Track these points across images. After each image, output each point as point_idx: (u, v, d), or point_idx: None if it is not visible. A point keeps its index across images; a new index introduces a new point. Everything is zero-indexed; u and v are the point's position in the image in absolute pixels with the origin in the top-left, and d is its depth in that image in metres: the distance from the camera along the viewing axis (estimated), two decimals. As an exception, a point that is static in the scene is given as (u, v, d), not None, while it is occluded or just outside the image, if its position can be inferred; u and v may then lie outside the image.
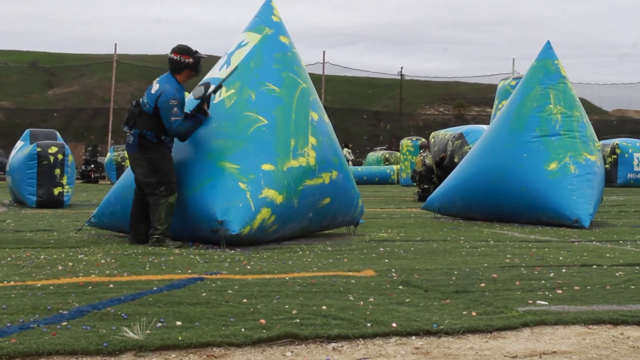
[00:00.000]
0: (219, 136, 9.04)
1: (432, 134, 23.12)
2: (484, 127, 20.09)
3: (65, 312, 4.72)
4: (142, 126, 8.86)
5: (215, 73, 9.78)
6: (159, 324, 4.42)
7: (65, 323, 4.42)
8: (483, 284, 6.04)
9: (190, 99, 9.34)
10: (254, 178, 8.72)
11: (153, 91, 8.91)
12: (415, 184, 21.84)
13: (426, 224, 12.48)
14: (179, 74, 9.05)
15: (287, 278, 6.27)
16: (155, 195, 8.77)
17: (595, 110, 71.84)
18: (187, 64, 9.05)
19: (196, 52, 9.13)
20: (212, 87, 9.17)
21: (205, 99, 9.09)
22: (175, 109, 8.80)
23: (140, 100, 8.99)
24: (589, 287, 5.96)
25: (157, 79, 9.08)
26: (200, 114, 9.07)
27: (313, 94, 9.97)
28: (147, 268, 6.85)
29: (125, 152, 31.58)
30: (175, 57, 9.07)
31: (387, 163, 40.71)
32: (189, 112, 9.03)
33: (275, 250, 8.35)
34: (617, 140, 31.64)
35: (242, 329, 4.30)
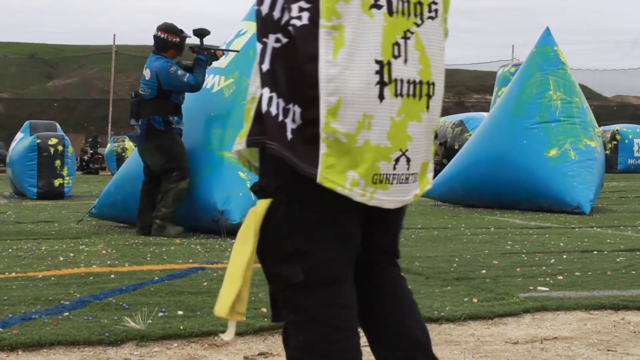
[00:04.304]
0: (218, 126, 9.01)
1: (432, 121, 23.05)
2: (484, 114, 20.09)
3: (67, 302, 4.73)
4: (148, 112, 8.80)
5: (215, 62, 9.74)
6: (160, 314, 4.43)
7: (66, 313, 4.43)
8: (484, 271, 6.05)
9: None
10: (254, 167, 8.70)
11: (148, 78, 8.85)
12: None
13: (427, 211, 12.48)
14: (165, 53, 8.98)
15: (288, 267, 6.26)
16: (168, 180, 8.71)
17: (595, 96, 71.76)
18: (173, 43, 8.98)
19: (182, 31, 9.07)
20: (208, 45, 9.05)
21: (201, 48, 8.94)
22: (179, 72, 8.74)
23: (137, 91, 8.97)
24: (589, 273, 5.97)
25: (145, 65, 8.99)
26: (199, 55, 8.90)
27: (312, 82, 9.92)
28: (148, 258, 6.85)
29: (126, 143, 31.37)
30: (162, 36, 8.97)
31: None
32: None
33: (276, 239, 8.34)
34: (617, 126, 31.59)
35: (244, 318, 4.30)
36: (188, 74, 8.74)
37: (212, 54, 8.98)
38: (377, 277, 2.42)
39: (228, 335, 2.27)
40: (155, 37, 9.01)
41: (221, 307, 2.21)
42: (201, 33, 8.90)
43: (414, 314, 2.40)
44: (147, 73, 8.89)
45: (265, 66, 2.17)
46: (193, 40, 9.14)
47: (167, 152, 8.75)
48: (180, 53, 9.17)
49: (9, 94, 76.70)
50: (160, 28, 9.01)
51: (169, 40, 8.96)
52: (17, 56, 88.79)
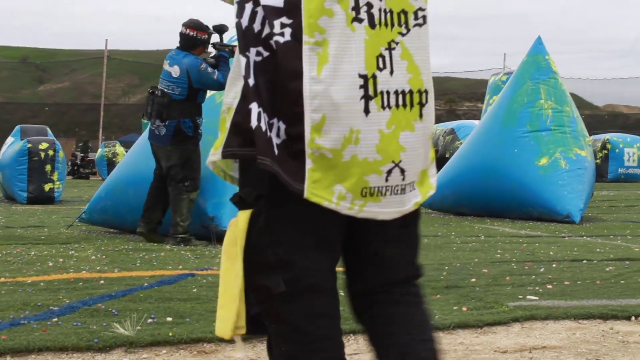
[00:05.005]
0: (209, 132, 8.96)
1: (423, 129, 23.07)
2: (475, 122, 20.12)
3: (56, 308, 4.72)
4: (178, 115, 8.55)
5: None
6: (149, 320, 4.42)
7: (55, 319, 4.42)
8: (474, 279, 6.05)
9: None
10: (245, 173, 8.67)
11: (176, 75, 8.60)
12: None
13: (417, 219, 12.46)
14: (194, 50, 8.77)
15: (278, 274, 6.25)
16: (178, 188, 8.45)
17: (586, 105, 71.96)
18: (202, 40, 8.81)
19: (208, 27, 8.85)
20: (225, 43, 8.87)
21: (222, 45, 8.80)
22: (209, 69, 8.53)
23: (163, 89, 8.67)
24: (579, 282, 5.98)
25: (167, 62, 8.76)
26: (222, 52, 8.75)
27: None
28: (137, 264, 6.84)
29: (117, 147, 31.15)
30: (191, 33, 8.76)
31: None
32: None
33: (267, 246, 8.31)
34: (608, 136, 31.65)
35: (233, 325, 4.29)
36: (216, 72, 8.57)
37: (231, 50, 8.82)
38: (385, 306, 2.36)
39: (240, 352, 2.25)
40: (183, 35, 8.79)
41: (223, 329, 2.18)
42: (221, 29, 8.69)
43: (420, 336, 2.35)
44: (175, 70, 8.63)
45: (251, 80, 2.15)
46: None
47: (187, 160, 8.53)
48: (206, 50, 8.98)
49: (0, 98, 76.57)
50: (188, 25, 8.81)
51: (197, 37, 8.77)
52: (9, 60, 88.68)
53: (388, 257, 2.37)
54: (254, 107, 2.14)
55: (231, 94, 2.23)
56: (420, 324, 2.38)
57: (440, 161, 19.06)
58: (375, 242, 2.32)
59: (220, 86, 8.50)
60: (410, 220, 2.41)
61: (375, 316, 2.35)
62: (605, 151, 30.49)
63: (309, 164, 2.08)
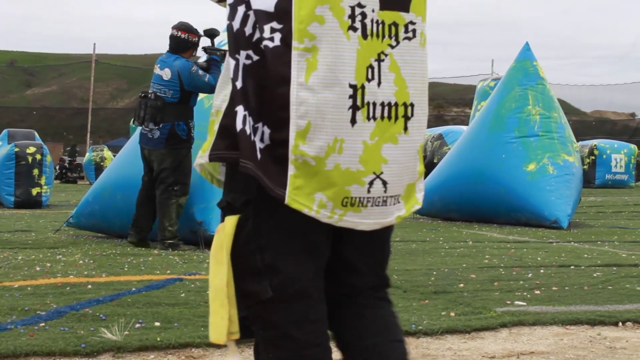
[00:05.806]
0: (197, 136, 8.99)
1: (412, 134, 23.07)
2: (463, 127, 20.15)
3: (43, 313, 4.70)
4: (173, 118, 8.51)
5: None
6: (137, 325, 4.41)
7: (43, 324, 4.41)
8: (462, 285, 6.06)
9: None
10: (233, 178, 8.65)
11: (167, 78, 8.56)
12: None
13: (405, 224, 12.48)
14: (184, 53, 8.73)
15: (266, 279, 6.23)
16: (167, 192, 8.40)
17: (574, 111, 72.16)
18: (192, 42, 8.78)
19: (197, 30, 8.82)
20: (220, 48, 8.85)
21: (213, 49, 8.75)
22: (200, 72, 8.49)
23: (156, 93, 8.60)
24: (566, 288, 5.99)
25: (158, 65, 8.71)
26: (213, 55, 8.71)
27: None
28: (125, 269, 6.82)
29: (104, 152, 31.00)
30: (182, 36, 8.72)
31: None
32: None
33: (255, 251, 8.29)
34: (595, 141, 31.75)
35: (221, 330, 4.28)
36: (208, 75, 8.52)
37: (222, 54, 8.76)
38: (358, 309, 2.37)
39: (233, 356, 2.24)
40: (174, 37, 8.75)
41: (217, 335, 2.18)
42: (212, 33, 8.65)
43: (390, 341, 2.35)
44: (166, 73, 8.59)
45: (239, 83, 2.14)
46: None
47: (179, 164, 8.48)
48: (195, 53, 8.94)
49: (-12, 102, 76.32)
50: (180, 28, 8.77)
51: (189, 40, 8.75)
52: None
53: (359, 265, 2.36)
54: (240, 110, 2.14)
55: (220, 97, 2.23)
56: (390, 326, 2.37)
57: (429, 166, 19.08)
58: (347, 249, 2.32)
59: (211, 89, 8.45)
60: (385, 231, 2.37)
61: (344, 318, 2.35)
62: (593, 157, 30.58)
63: (291, 170, 2.08)
